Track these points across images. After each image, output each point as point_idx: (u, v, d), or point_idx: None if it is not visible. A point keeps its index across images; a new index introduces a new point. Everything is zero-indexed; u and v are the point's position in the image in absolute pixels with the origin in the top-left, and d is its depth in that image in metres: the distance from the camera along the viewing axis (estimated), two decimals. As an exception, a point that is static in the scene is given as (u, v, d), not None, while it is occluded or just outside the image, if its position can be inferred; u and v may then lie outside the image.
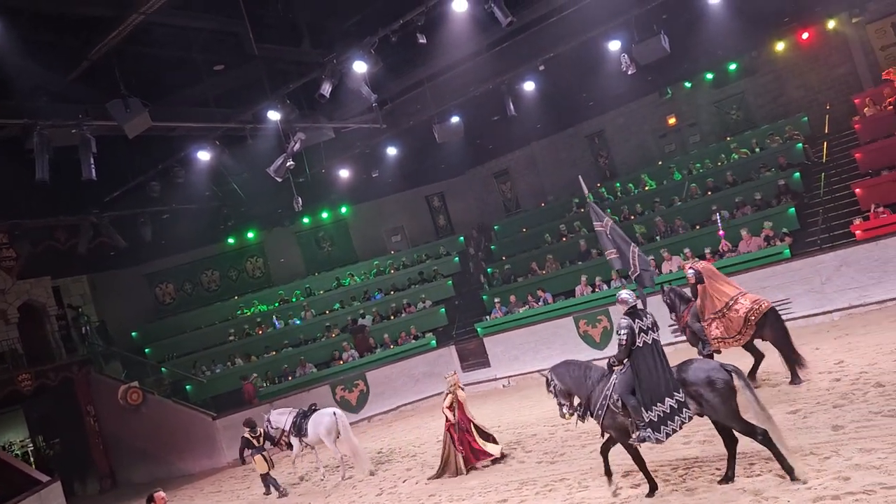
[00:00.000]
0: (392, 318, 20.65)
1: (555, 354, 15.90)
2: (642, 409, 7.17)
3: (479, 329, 18.61)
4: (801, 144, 17.43)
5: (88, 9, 10.95)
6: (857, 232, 13.98)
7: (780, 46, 18.61)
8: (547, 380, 8.20)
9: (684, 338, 11.35)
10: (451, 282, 21.40)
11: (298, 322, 21.16)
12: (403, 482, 11.20)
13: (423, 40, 11.77)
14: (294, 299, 22.05)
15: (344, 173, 19.23)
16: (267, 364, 19.76)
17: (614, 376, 7.51)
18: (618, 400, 7.37)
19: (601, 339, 16.25)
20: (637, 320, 7.30)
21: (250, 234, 22.66)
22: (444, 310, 20.59)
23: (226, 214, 20.59)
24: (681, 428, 7.28)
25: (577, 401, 7.95)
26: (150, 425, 18.22)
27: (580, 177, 10.83)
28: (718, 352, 10.73)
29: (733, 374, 7.08)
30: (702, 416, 7.29)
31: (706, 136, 20.46)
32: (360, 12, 13.47)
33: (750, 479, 7.32)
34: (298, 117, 14.76)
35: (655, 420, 7.14)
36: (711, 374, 7.09)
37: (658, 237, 17.47)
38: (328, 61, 12.50)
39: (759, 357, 10.70)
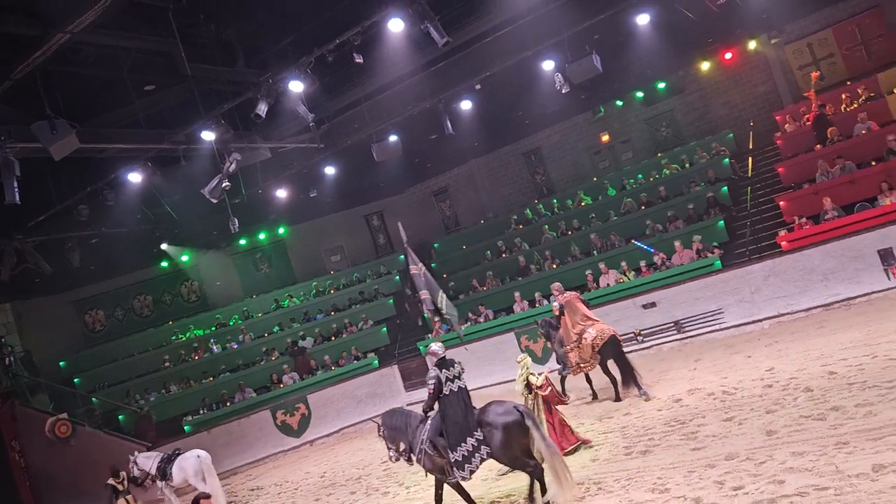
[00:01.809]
0: (333, 338, 20.41)
1: (497, 370, 16.03)
2: (449, 450, 7.96)
3: (421, 348, 18.55)
4: (727, 159, 18.11)
5: (10, 27, 10.54)
6: (783, 243, 14.55)
7: (705, 66, 19.35)
8: (378, 426, 9.01)
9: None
10: (392, 300, 21.30)
11: (237, 346, 20.68)
12: (348, 506, 11.02)
13: (359, 60, 11.76)
14: (231, 322, 21.57)
15: (281, 193, 18.99)
16: (204, 390, 19.22)
17: (428, 422, 8.30)
18: (430, 443, 8.15)
19: (542, 353, 16.41)
20: (444, 370, 8.11)
21: (185, 257, 22.06)
22: (385, 329, 20.47)
23: (158, 237, 20.02)
24: (481, 464, 8.00)
25: (402, 446, 8.64)
26: (82, 459, 17.37)
27: (399, 223, 11.37)
28: (577, 374, 12.30)
29: (524, 416, 7.85)
30: (492, 456, 8.02)
31: (638, 152, 21.05)
32: (296, 32, 13.39)
33: (690, 487, 7.48)
34: (233, 137, 14.52)
35: (461, 459, 7.94)
36: (503, 416, 7.87)
37: (595, 252, 17.82)
38: (263, 81, 12.36)
39: (612, 379, 11.90)
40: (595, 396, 12.51)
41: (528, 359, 10.31)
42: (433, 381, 8.09)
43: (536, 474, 7.93)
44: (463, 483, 8.24)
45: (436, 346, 8.45)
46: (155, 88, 14.30)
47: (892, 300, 12.65)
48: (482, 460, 7.98)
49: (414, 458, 8.48)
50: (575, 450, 9.81)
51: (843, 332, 11.63)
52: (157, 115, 14.52)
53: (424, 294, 9.35)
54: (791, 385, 9.67)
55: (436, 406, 8.22)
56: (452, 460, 7.95)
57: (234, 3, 12.69)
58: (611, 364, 11.90)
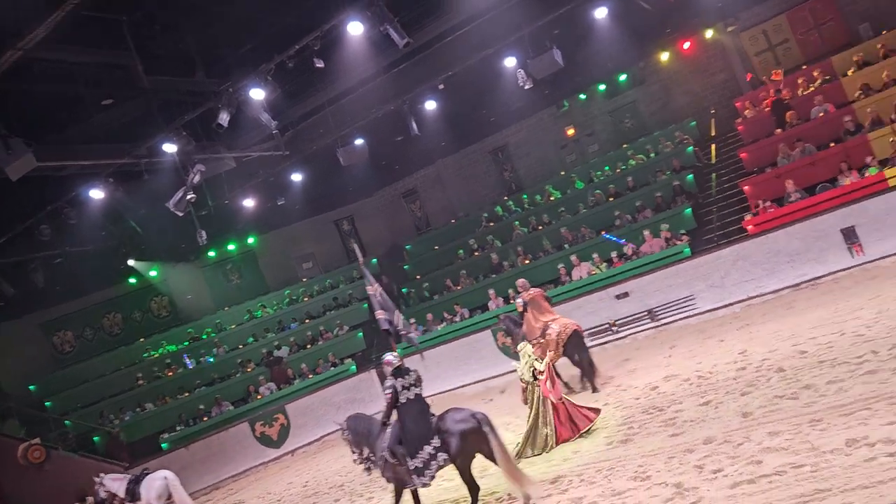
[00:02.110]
0: (309, 346, 20.24)
1: (475, 368, 16.06)
2: (408, 457, 8.05)
3: (398, 351, 18.43)
4: (691, 148, 18.34)
5: (-40, 46, 10.31)
6: (749, 227, 14.78)
7: (664, 56, 19.56)
8: (341, 429, 9.07)
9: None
10: (366, 305, 21.17)
11: (211, 360, 20.42)
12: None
13: (320, 64, 11.69)
14: (204, 336, 21.28)
15: (249, 203, 18.80)
16: (180, 406, 18.93)
17: (388, 430, 8.37)
18: (390, 451, 8.25)
19: (519, 350, 16.45)
20: (400, 379, 8.20)
21: (153, 273, 21.70)
22: (361, 334, 20.37)
23: (125, 254, 19.68)
24: (438, 471, 8.10)
25: (365, 451, 8.76)
26: (57, 483, 17.03)
27: (355, 245, 11.35)
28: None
29: (481, 423, 7.91)
30: (452, 462, 8.08)
31: (604, 144, 21.21)
32: (255, 39, 13.25)
33: (671, 473, 7.54)
34: (196, 148, 14.32)
35: (420, 466, 8.03)
36: (461, 423, 7.96)
37: (567, 245, 17.92)
38: (224, 90, 12.23)
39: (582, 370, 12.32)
40: (569, 388, 12.56)
41: (529, 346, 10.30)
42: (389, 391, 8.19)
43: (475, 493, 8.11)
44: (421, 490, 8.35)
45: (390, 356, 8.56)
46: (113, 102, 14.08)
47: (856, 278, 12.91)
48: (439, 467, 8.10)
49: (374, 465, 8.63)
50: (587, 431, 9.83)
51: (812, 311, 11.84)
52: (116, 129, 14.30)
53: (380, 314, 9.39)
54: (764, 366, 9.81)
55: (394, 415, 8.30)
56: (412, 468, 8.06)
57: (190, 13, 12.51)
58: (575, 358, 12.28)
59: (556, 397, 10.00)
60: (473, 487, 8.15)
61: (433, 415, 8.26)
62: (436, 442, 8.02)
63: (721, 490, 6.70)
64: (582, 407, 10.14)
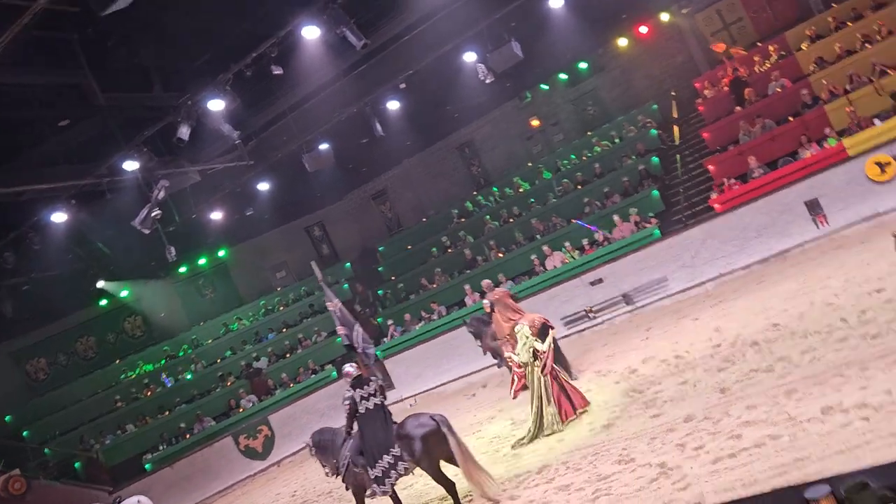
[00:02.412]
0: (288, 355, 20.08)
1: (455, 365, 16.07)
2: (368, 467, 8.27)
3: (378, 353, 18.33)
4: (654, 131, 18.50)
5: None
6: (716, 205, 14.96)
7: (622, 42, 19.68)
8: (308, 446, 9.34)
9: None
10: (343, 310, 21.07)
11: (190, 376, 20.16)
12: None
13: (278, 71, 11.59)
14: (181, 353, 21.01)
15: (217, 216, 18.57)
16: (162, 425, 18.69)
17: (350, 440, 8.60)
18: (352, 461, 8.49)
19: (499, 343, 16.48)
20: (358, 389, 8.34)
21: (124, 293, 21.36)
22: (340, 339, 20.19)
23: (93, 276, 19.35)
24: (398, 479, 8.33)
25: (333, 462, 8.93)
26: (40, 513, 16.77)
27: (313, 262, 11.56)
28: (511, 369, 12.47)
29: (440, 424, 8.11)
30: (417, 465, 8.33)
31: (568, 133, 21.32)
32: (210, 50, 13.05)
33: (654, 453, 7.62)
34: (158, 164, 14.11)
35: (380, 475, 8.23)
36: (420, 428, 8.15)
37: (538, 236, 17.99)
38: (182, 103, 12.07)
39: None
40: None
41: (526, 327, 10.22)
42: (348, 402, 8.37)
43: (451, 489, 8.24)
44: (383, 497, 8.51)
45: (349, 367, 8.76)
46: (70, 123, 13.80)
47: (823, 248, 13.14)
48: (399, 476, 8.29)
49: (343, 475, 8.76)
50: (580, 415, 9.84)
51: (782, 283, 12.03)
52: (75, 150, 14.03)
53: (341, 329, 9.50)
54: (738, 342, 9.95)
55: (355, 425, 8.49)
56: (372, 477, 8.25)
57: (143, 27, 12.27)
58: None
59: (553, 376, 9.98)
60: (448, 485, 8.26)
61: (394, 423, 8.40)
62: (395, 450, 8.20)
63: (704, 466, 6.79)
64: (576, 390, 10.18)
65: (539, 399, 9.83)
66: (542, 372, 9.83)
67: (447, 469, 8.38)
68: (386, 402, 8.54)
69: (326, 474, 9.19)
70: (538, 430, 9.82)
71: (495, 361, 13.56)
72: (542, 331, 11.65)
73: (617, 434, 8.71)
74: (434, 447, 8.10)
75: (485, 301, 13.19)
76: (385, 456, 8.19)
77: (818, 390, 7.21)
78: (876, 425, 6.04)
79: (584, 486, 7.66)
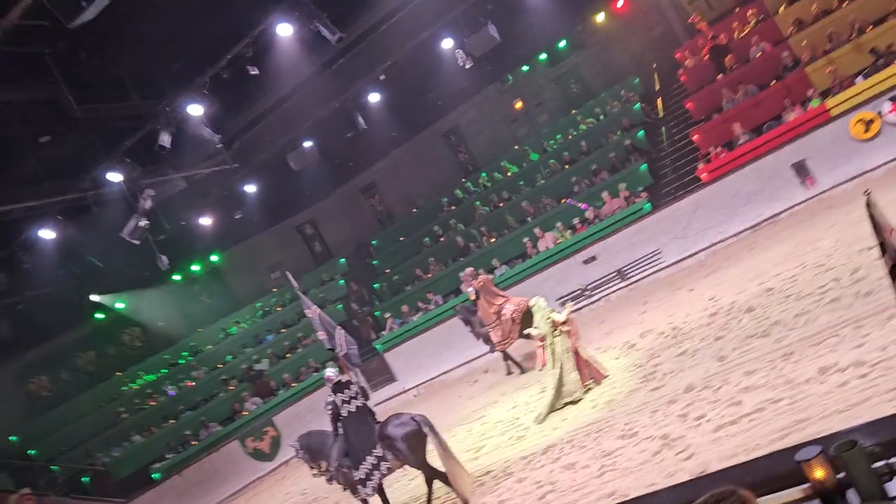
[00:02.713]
0: (288, 355, 20.06)
1: (455, 354, 16.10)
2: (353, 469, 8.44)
3: (377, 346, 18.45)
4: (638, 105, 18.45)
5: None
6: (703, 175, 14.96)
7: (600, 18, 19.57)
8: (295, 449, 9.39)
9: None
10: (340, 306, 21.04)
11: (192, 383, 20.12)
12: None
13: (255, 72, 11.50)
14: (182, 361, 20.95)
15: (206, 221, 18.49)
16: (168, 434, 18.68)
17: (337, 443, 8.70)
18: (339, 463, 8.64)
19: (498, 328, 16.50)
20: (339, 393, 8.47)
21: (120, 305, 21.28)
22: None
23: (87, 290, 19.28)
24: (381, 479, 8.48)
25: (323, 465, 9.04)
26: (53, 530, 16.80)
27: (288, 273, 11.89)
28: (505, 351, 13.38)
29: (421, 424, 8.26)
30: (402, 465, 8.54)
31: (553, 113, 21.24)
32: (185, 54, 12.95)
33: (656, 426, 7.65)
34: (143, 174, 14.03)
35: (363, 477, 8.38)
36: (401, 428, 8.30)
37: (529, 218, 17.97)
38: (161, 110, 11.97)
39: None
40: (522, 370, 13.32)
41: (542, 300, 10.20)
42: (330, 407, 8.54)
43: (443, 478, 8.38)
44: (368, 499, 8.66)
45: (330, 372, 8.90)
46: (50, 138, 13.70)
47: (812, 210, 13.16)
48: (382, 476, 8.45)
49: (334, 476, 8.90)
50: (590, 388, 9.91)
51: (773, 248, 12.06)
52: (58, 165, 13.91)
53: (322, 335, 9.59)
54: (734, 309, 9.97)
55: (340, 428, 8.65)
56: (356, 478, 8.41)
57: (115, 36, 12.16)
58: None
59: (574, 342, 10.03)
60: (440, 476, 8.40)
61: (377, 422, 8.57)
62: (378, 451, 8.36)
63: (706, 435, 6.82)
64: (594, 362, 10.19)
65: (560, 367, 9.85)
66: (569, 340, 9.86)
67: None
68: (368, 404, 8.72)
69: (314, 475, 9.32)
70: (557, 399, 9.82)
71: (489, 347, 13.86)
72: (527, 314, 11.81)
73: (619, 409, 8.75)
74: (416, 446, 8.28)
75: (469, 289, 13.59)
76: (368, 457, 8.35)
77: (814, 351, 7.24)
78: (873, 382, 6.06)
79: (589, 463, 7.70)
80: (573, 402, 9.71)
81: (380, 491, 8.60)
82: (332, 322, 10.06)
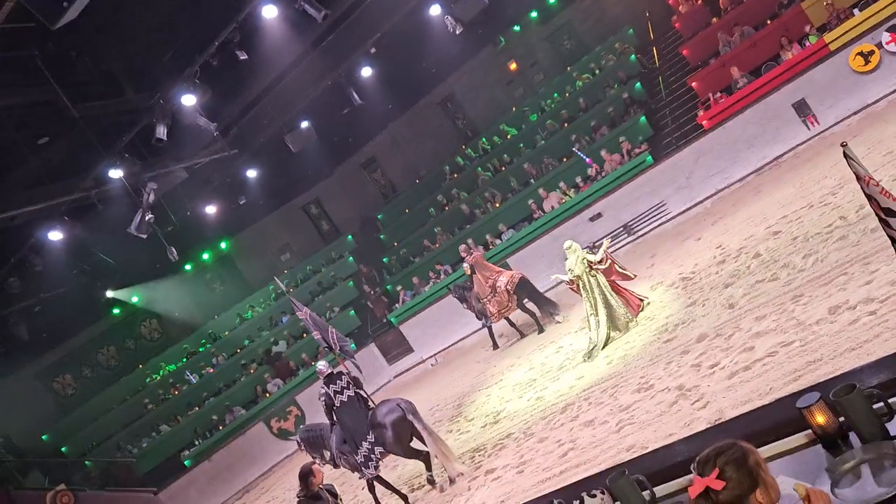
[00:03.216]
0: (305, 335, 20.23)
1: (470, 320, 16.15)
2: (353, 454, 9.05)
3: (392, 319, 18.60)
4: (633, 56, 18.21)
5: None
6: (704, 122, 14.82)
7: (589, -31, 19.28)
8: (298, 443, 10.12)
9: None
10: (352, 283, 21.21)
11: (213, 370, 20.42)
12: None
13: (244, 57, 11.44)
14: (201, 349, 21.23)
15: (211, 209, 18.56)
16: (194, 421, 19.01)
17: (335, 431, 9.32)
18: (339, 450, 9.26)
19: (509, 292, 16.57)
20: (332, 385, 9.05)
21: (135, 299, 21.50)
22: (353, 312, 20.40)
23: (101, 286, 19.48)
24: (380, 460, 9.09)
25: (327, 455, 9.60)
26: (92, 523, 17.23)
27: (275, 278, 12.91)
28: (499, 320, 14.06)
29: (406, 412, 8.78)
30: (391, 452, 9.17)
31: (548, 71, 21.01)
32: (173, 45, 12.86)
33: (671, 377, 7.73)
34: (143, 168, 14.05)
35: (363, 460, 9.00)
36: (389, 415, 8.84)
37: (532, 180, 17.92)
38: (155, 103, 11.95)
39: (532, 314, 13.51)
40: (522, 334, 14.07)
41: (576, 243, 10.45)
42: (323, 398, 9.13)
43: (425, 459, 9.06)
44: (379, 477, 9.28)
45: (321, 366, 9.49)
46: (49, 140, 13.71)
47: (815, 148, 13.05)
48: (379, 459, 9.08)
49: (337, 462, 9.49)
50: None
51: (778, 190, 11.99)
52: (59, 166, 13.93)
53: (316, 334, 10.26)
54: (742, 255, 9.98)
55: (335, 418, 9.24)
56: (358, 462, 9.04)
57: (102, 33, 12.09)
58: (527, 303, 13.46)
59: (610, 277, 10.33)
60: (421, 456, 9.05)
61: (370, 408, 9.19)
62: (371, 437, 8.94)
63: (720, 383, 6.90)
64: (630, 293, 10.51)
65: (605, 303, 10.07)
66: (607, 276, 10.21)
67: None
68: (361, 392, 9.26)
69: (318, 465, 10.00)
70: (613, 331, 10.03)
71: (481, 322, 14.50)
72: (521, 284, 13.06)
73: (633, 363, 8.83)
74: (403, 433, 8.85)
75: (465, 265, 14.10)
76: (364, 442, 8.96)
77: (824, 291, 7.26)
78: (883, 318, 6.09)
79: (607, 419, 7.80)
80: (624, 333, 10.01)
81: (378, 477, 9.22)
82: (324, 322, 10.82)
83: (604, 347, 9.89)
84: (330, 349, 10.35)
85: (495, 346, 14.51)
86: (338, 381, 9.10)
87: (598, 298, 10.07)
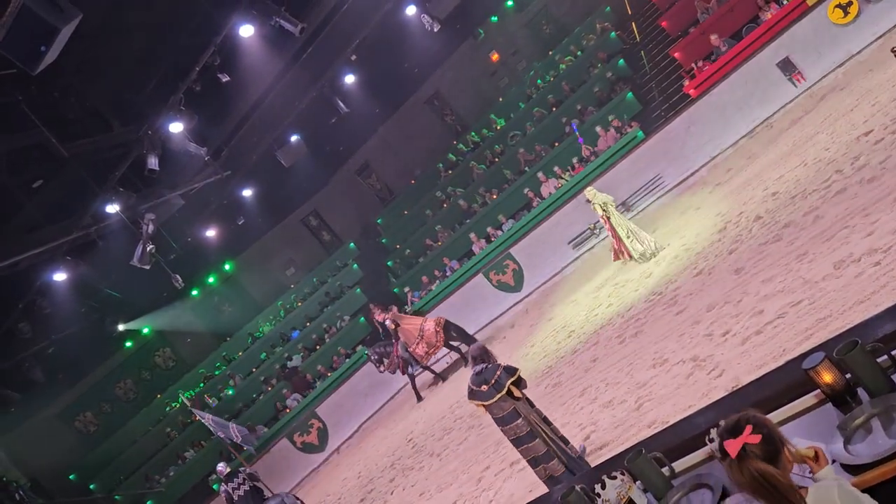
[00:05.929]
0: (318, 347, 20.32)
1: (479, 316, 16.27)
2: None
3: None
4: (613, 33, 18.21)
5: None
6: (691, 91, 14.80)
7: (559, -49, 19.26)
8: None
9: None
10: (359, 290, 21.24)
11: (231, 392, 20.49)
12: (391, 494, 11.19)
13: (226, 79, 11.46)
14: (217, 372, 21.31)
15: (211, 233, 18.63)
16: (218, 445, 19.02)
17: None
18: None
19: (515, 282, 16.61)
20: (231, 483, 10.90)
21: (145, 330, 21.59)
22: (363, 319, 20.43)
23: (112, 321, 19.56)
24: None
25: None
26: (128, 556, 17.35)
27: (193, 409, 14.39)
28: (429, 360, 15.05)
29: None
30: None
31: (530, 58, 21.01)
32: (155, 75, 12.90)
33: (685, 349, 7.74)
34: (139, 200, 14.07)
35: None
36: None
37: (526, 168, 17.92)
38: (143, 134, 11.99)
39: (458, 350, 14.68)
40: (443, 380, 15.13)
41: (594, 190, 12.10)
42: (224, 493, 10.89)
43: None
44: None
45: (220, 467, 11.21)
46: (43, 182, 13.75)
47: (805, 105, 13.02)
48: None
49: None
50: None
51: (772, 151, 11.99)
52: (55, 207, 13.98)
53: (221, 433, 11.98)
54: (742, 219, 9.98)
55: None
56: None
57: (82, 71, 12.14)
58: (454, 342, 14.57)
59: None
60: None
61: (265, 499, 10.77)
62: None
63: (734, 349, 6.90)
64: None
65: (634, 230, 11.83)
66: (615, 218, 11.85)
67: None
68: (258, 484, 11.18)
69: None
70: (647, 248, 11.69)
71: (409, 372, 15.15)
72: (447, 325, 14.21)
73: (646, 340, 8.83)
74: None
75: (387, 322, 15.08)
76: None
77: (827, 247, 7.25)
78: (887, 267, 6.09)
79: (625, 398, 7.81)
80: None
81: None
82: (223, 421, 12.72)
83: (653, 256, 11.47)
84: (232, 441, 12.14)
85: (419, 398, 15.08)
86: (234, 479, 10.97)
87: (628, 225, 11.80)
